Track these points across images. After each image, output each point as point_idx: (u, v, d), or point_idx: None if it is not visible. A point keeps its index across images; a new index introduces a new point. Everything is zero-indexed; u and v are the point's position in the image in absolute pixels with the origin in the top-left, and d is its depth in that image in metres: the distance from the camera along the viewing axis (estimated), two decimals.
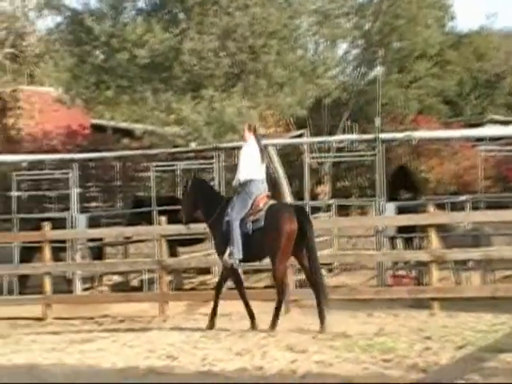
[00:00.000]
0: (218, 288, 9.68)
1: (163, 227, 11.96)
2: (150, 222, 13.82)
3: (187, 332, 9.34)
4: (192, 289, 13.81)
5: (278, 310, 9.18)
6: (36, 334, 10.27)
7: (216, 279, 11.20)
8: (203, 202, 9.68)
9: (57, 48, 16.35)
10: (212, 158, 14.06)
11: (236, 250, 9.17)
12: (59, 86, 17.32)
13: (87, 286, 14.18)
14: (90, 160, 16.84)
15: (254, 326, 9.28)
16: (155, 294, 12.36)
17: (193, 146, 14.39)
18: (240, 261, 9.32)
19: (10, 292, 13.46)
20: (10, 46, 24.68)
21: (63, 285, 13.79)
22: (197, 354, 7.84)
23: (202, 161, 15.20)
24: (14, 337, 10.13)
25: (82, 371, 7.27)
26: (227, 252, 9.22)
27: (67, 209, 14.45)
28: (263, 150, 9.64)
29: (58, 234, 12.96)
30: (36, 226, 13.07)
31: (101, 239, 14.94)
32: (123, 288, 14.24)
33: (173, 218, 11.55)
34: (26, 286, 13.87)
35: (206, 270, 14.29)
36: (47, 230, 12.22)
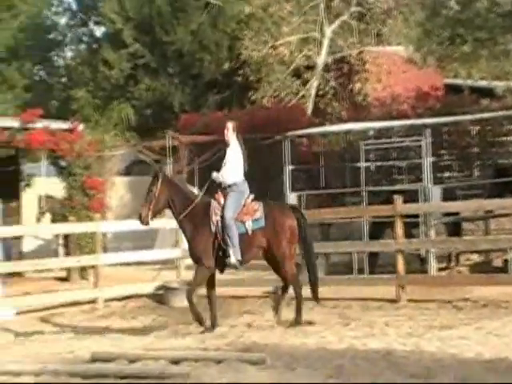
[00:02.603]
0: (191, 294, 10.06)
1: None
2: None
3: None
4: None
5: (299, 304, 10.03)
6: (390, 317, 10.52)
7: None
8: (176, 197, 10.08)
9: (406, 1, 16.45)
10: None
11: (236, 251, 9.83)
12: (409, 44, 17.44)
13: (443, 265, 14.11)
14: (444, 125, 16.72)
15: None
16: None
17: None
18: (240, 262, 9.95)
19: (360, 271, 13.85)
20: (357, 3, 25.40)
21: (416, 264, 13.92)
22: None
23: None
24: (366, 319, 10.48)
25: (443, 360, 7.25)
26: (230, 253, 9.80)
27: (419, 180, 14.52)
28: (244, 150, 10.24)
29: (410, 207, 13.05)
30: (386, 199, 13.34)
31: (457, 213, 14.78)
32: (484, 269, 13.90)
33: None
34: (377, 264, 14.22)
35: None
36: (398, 204, 12.31)
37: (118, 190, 21.50)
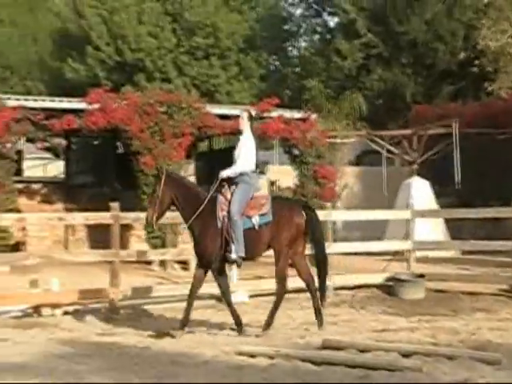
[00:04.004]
0: (191, 296, 9.63)
1: None
2: None
3: None
4: None
5: (277, 305, 9.65)
6: None
7: None
8: (181, 196, 9.62)
9: None
10: None
11: (239, 247, 9.39)
12: None
13: None
14: None
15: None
16: None
17: None
18: (243, 258, 9.50)
19: None
20: None
21: None
22: None
23: None
24: None
25: None
26: (232, 249, 9.37)
27: None
28: (257, 141, 9.92)
29: None
30: None
31: None
32: None
33: None
34: None
35: None
36: None
37: (347, 180, 21.64)
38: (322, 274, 9.82)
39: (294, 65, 35.16)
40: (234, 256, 9.46)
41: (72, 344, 8.81)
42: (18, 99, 17.27)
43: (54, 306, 11.26)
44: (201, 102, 18.40)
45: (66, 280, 12.14)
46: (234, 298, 12.03)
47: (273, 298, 10.50)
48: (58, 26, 32.58)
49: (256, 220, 9.51)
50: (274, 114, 18.31)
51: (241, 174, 9.67)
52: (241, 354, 7.93)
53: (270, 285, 13.09)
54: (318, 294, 9.78)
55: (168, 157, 17.10)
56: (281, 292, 9.74)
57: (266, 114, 18.17)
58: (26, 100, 17.41)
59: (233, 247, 9.43)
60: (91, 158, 23.04)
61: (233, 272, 12.30)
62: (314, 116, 19.13)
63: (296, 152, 18.68)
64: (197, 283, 9.71)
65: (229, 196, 9.57)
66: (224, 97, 29.03)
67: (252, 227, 9.51)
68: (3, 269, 13.51)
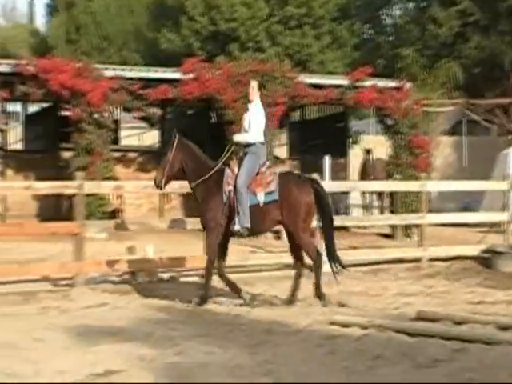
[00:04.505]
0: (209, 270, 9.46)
1: None
2: None
3: None
4: None
5: (317, 276, 9.39)
6: None
7: None
8: (190, 163, 9.52)
9: None
10: None
11: (245, 218, 9.23)
12: None
13: None
14: None
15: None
16: None
17: None
18: (248, 229, 9.30)
19: None
20: None
21: None
22: None
23: None
24: None
25: None
26: (236, 220, 9.23)
27: None
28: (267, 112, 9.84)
29: None
30: None
31: None
32: None
33: None
34: None
35: None
36: None
37: (442, 150, 21.22)
38: (332, 249, 9.63)
39: (388, 33, 34.52)
40: (237, 227, 9.32)
41: (167, 310, 8.96)
42: (114, 69, 17.52)
43: (150, 272, 11.45)
44: (293, 71, 18.29)
45: (161, 247, 12.32)
46: (326, 268, 12.04)
47: (364, 269, 10.42)
48: None
49: (261, 197, 9.35)
50: (368, 83, 18.04)
51: (249, 145, 9.54)
52: (334, 323, 7.89)
53: (363, 255, 13.07)
54: (319, 267, 9.49)
55: None
56: (318, 263, 9.48)
57: (359, 84, 17.92)
58: (122, 70, 17.66)
59: (237, 219, 9.29)
60: (185, 127, 23.29)
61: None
62: (408, 85, 18.75)
63: (390, 122, 18.38)
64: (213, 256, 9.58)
65: (236, 170, 9.45)
66: (317, 66, 28.79)
67: (257, 204, 9.35)
68: (101, 235, 13.82)
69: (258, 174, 9.43)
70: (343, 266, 9.76)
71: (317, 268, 9.43)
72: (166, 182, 9.57)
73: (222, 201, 9.34)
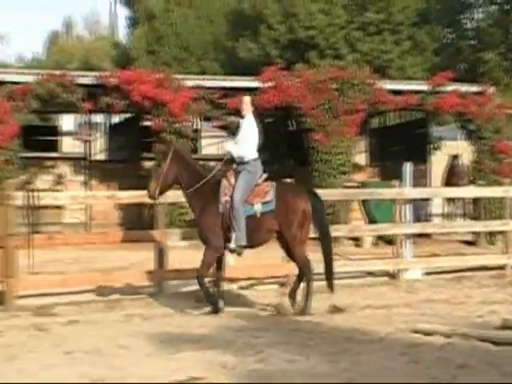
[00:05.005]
0: (202, 277, 9.38)
1: None
2: None
3: None
4: None
5: (309, 289, 9.32)
6: None
7: None
8: (185, 174, 9.47)
9: None
10: None
11: (241, 236, 9.20)
12: None
13: None
14: None
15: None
16: None
17: None
18: (244, 247, 9.31)
19: None
20: None
21: None
22: None
23: None
24: None
25: None
26: (233, 238, 9.20)
27: None
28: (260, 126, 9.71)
29: None
30: None
31: None
32: None
33: None
34: None
35: None
36: None
37: None
38: (328, 260, 9.59)
39: (469, 37, 33.96)
40: (233, 245, 9.32)
41: (248, 318, 9.01)
42: (194, 79, 17.75)
43: (231, 280, 11.51)
44: (373, 77, 18.18)
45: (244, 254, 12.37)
46: (408, 275, 11.89)
47: (447, 276, 10.25)
48: (232, 6, 33.20)
49: (258, 207, 9.32)
50: (449, 88, 17.79)
51: (243, 163, 9.46)
52: (416, 331, 7.80)
53: (446, 262, 12.87)
54: (310, 281, 9.39)
55: (341, 133, 17.06)
56: (309, 277, 9.43)
57: (440, 89, 17.69)
58: (202, 80, 17.87)
59: (233, 236, 9.28)
60: (263, 135, 23.29)
61: (407, 249, 12.15)
62: (491, 89, 18.42)
63: (472, 127, 18.08)
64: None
65: (233, 181, 9.39)
66: (396, 72, 28.54)
67: (254, 214, 9.31)
68: (182, 243, 13.95)
69: (256, 186, 9.43)
70: (332, 289, 9.61)
71: (308, 281, 9.41)
72: (160, 193, 9.61)
73: (219, 212, 9.34)
